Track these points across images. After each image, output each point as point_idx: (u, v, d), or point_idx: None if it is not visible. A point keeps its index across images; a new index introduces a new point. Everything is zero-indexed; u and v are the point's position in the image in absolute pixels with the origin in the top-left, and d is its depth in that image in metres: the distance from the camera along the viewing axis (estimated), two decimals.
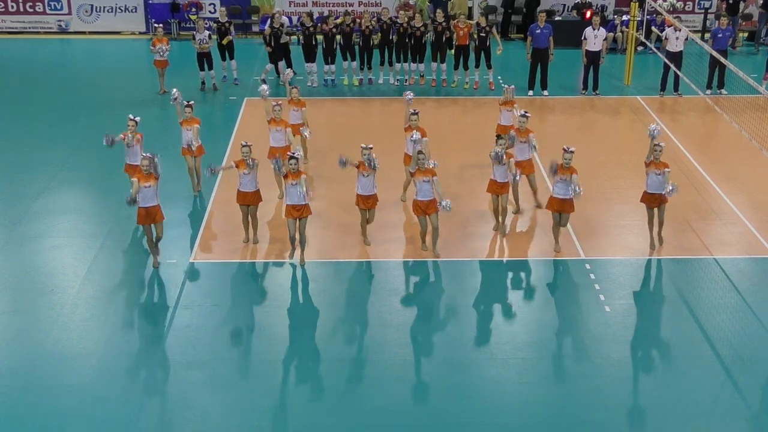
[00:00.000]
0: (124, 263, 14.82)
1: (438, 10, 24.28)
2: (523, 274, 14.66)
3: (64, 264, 14.91)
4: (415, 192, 14.86)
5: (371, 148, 14.87)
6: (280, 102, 17.28)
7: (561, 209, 14.82)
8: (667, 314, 13.50)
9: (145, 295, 14.08)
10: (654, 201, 14.90)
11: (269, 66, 24.11)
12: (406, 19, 23.99)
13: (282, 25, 23.79)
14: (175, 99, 17.19)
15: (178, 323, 13.12)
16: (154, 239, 14.57)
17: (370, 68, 24.45)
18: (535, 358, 12.40)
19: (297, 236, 14.63)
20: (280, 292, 14.13)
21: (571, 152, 14.49)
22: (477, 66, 23.97)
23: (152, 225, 14.45)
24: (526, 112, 16.42)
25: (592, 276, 14.46)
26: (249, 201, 15.11)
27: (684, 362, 12.30)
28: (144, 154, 14.37)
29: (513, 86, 18.52)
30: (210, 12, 29.94)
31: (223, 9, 24.13)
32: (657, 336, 12.99)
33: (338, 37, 23.83)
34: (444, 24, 23.80)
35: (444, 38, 23.83)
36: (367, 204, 15.16)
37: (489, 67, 23.91)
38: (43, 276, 14.55)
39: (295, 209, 14.44)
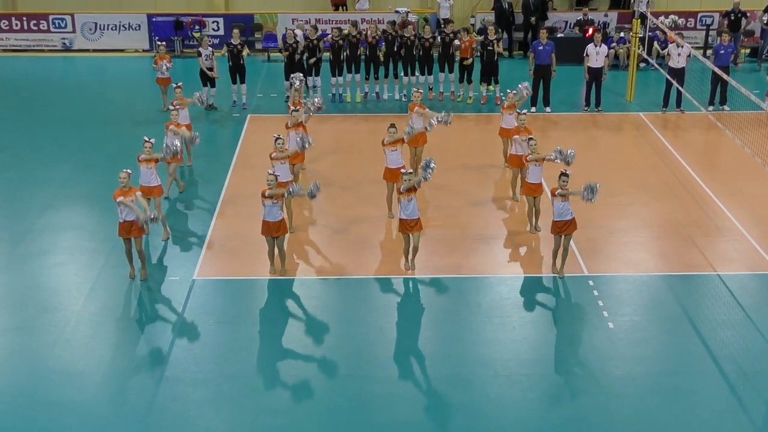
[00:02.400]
0: (128, 280, 14.81)
1: (447, 24, 24.39)
2: (526, 291, 14.62)
3: (67, 281, 14.92)
4: (399, 210, 14.85)
5: (411, 173, 14.79)
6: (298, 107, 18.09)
7: (563, 231, 14.65)
8: (670, 331, 13.46)
9: (147, 312, 14.07)
10: (559, 229, 14.68)
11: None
12: (413, 33, 24.05)
13: (297, 41, 24.01)
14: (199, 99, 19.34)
15: (181, 340, 13.11)
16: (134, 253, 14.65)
17: (377, 79, 24.50)
18: (539, 374, 12.37)
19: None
20: (282, 309, 14.11)
21: (567, 176, 14.38)
22: (482, 82, 24.02)
23: (132, 239, 14.51)
24: (524, 111, 17.36)
25: (596, 292, 14.44)
26: (274, 232, 14.66)
27: (688, 379, 12.27)
28: (124, 170, 14.42)
29: (515, 91, 18.82)
30: (213, 29, 30.08)
31: (236, 31, 24.13)
32: (661, 352, 12.95)
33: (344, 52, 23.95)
34: (451, 36, 23.86)
35: (451, 50, 23.88)
36: (412, 229, 14.85)
37: (496, 82, 23.97)
38: (46, 293, 14.55)
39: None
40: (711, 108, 23.29)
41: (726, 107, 23.53)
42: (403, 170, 15.02)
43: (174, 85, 19.52)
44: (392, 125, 16.78)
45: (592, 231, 16.43)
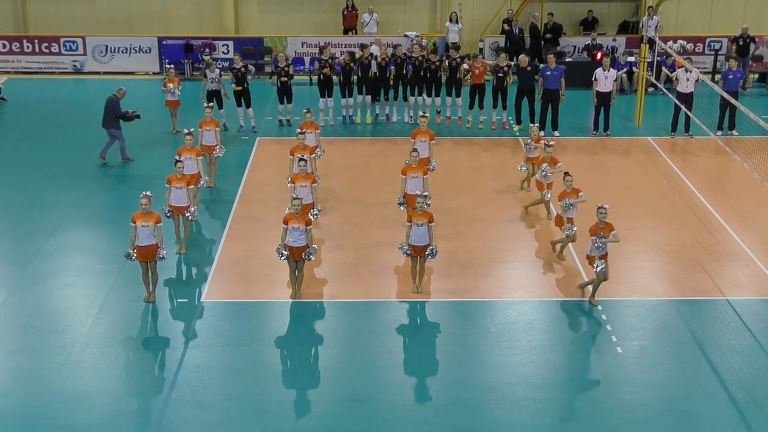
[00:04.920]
0: (135, 302, 14.82)
1: (453, 47, 24.48)
2: (534, 315, 14.59)
3: (75, 303, 14.93)
4: (408, 235, 14.86)
5: (426, 196, 14.99)
6: (304, 130, 18.39)
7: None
8: (679, 356, 13.40)
9: (155, 334, 14.07)
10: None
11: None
12: (422, 53, 24.16)
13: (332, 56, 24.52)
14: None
15: (188, 363, 13.10)
16: (149, 276, 14.74)
17: (387, 100, 24.59)
18: (547, 399, 12.32)
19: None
20: (290, 332, 14.09)
21: (605, 209, 14.53)
22: (494, 107, 24.09)
23: (148, 263, 14.60)
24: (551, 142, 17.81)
25: (604, 317, 14.40)
26: (297, 256, 14.65)
27: (697, 404, 12.20)
28: (145, 193, 14.48)
29: (537, 125, 19.66)
30: (223, 53, 30.23)
31: (238, 55, 24.29)
32: (670, 378, 12.88)
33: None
34: (458, 60, 23.93)
35: (458, 75, 23.95)
36: (419, 253, 14.92)
37: (504, 108, 24.03)
38: (54, 315, 14.56)
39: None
40: (720, 133, 23.30)
41: (735, 132, 23.55)
42: (418, 192, 15.13)
43: (205, 104, 19.96)
44: (414, 150, 16.82)
45: None
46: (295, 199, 14.71)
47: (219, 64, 24.47)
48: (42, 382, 12.62)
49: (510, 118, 24.24)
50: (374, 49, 25.14)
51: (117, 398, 12.28)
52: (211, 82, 23.37)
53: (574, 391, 12.52)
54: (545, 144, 17.85)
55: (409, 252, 14.86)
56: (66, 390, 12.45)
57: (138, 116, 22.08)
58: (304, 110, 19.55)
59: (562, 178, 16.06)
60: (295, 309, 14.67)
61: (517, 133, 23.79)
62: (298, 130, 18.54)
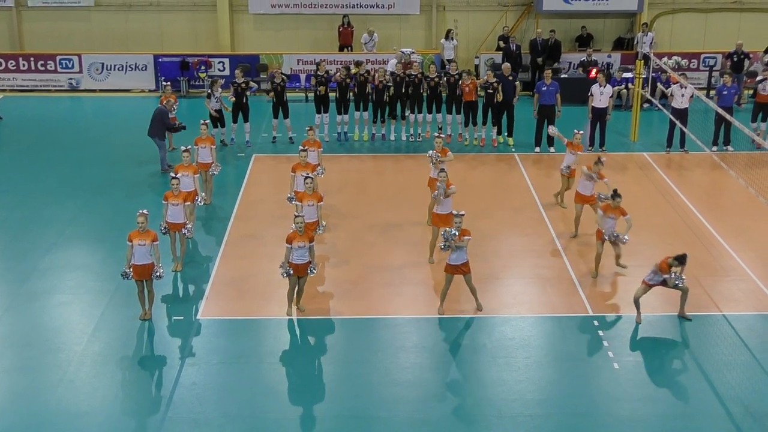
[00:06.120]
0: (131, 320, 14.78)
1: (451, 63, 24.55)
2: (530, 331, 14.58)
3: (71, 321, 14.90)
4: (450, 256, 14.73)
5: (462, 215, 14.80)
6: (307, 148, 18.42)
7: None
8: (676, 371, 13.40)
9: (151, 352, 14.04)
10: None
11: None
12: (419, 71, 24.22)
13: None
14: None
15: (184, 381, 13.06)
16: (145, 294, 14.73)
17: (383, 122, 24.63)
18: (544, 415, 12.30)
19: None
20: (287, 349, 14.07)
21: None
22: (484, 124, 24.12)
23: (144, 281, 14.61)
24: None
25: (601, 333, 14.40)
26: (301, 273, 14.69)
27: (694, 420, 12.19)
28: (142, 211, 14.48)
29: (582, 131, 19.71)
30: (219, 70, 30.28)
31: (239, 70, 24.38)
32: (667, 393, 12.87)
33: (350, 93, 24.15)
34: (456, 76, 23.98)
35: (457, 91, 23.99)
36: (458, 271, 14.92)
37: (494, 124, 24.07)
38: (50, 333, 14.52)
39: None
40: (715, 148, 23.35)
41: (730, 147, 23.61)
42: (454, 212, 14.99)
43: (201, 122, 19.97)
44: (442, 170, 16.83)
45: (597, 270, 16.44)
46: (297, 217, 14.71)
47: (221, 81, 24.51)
48: (38, 401, 12.57)
49: (506, 133, 24.25)
50: (391, 64, 25.24)
51: (113, 417, 12.24)
52: (216, 102, 23.49)
53: (570, 408, 12.50)
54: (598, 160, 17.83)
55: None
56: (62, 409, 12.41)
57: (184, 128, 22.42)
58: (307, 128, 19.59)
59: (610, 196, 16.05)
60: (290, 326, 14.65)
61: (513, 149, 23.81)
62: (301, 148, 18.53)
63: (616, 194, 15.86)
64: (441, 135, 19.22)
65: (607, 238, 15.90)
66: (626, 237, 15.98)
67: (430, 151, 18.28)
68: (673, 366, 13.54)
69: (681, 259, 14.37)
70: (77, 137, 25.64)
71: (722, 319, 14.84)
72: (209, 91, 23.69)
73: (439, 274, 15.98)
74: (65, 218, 19.19)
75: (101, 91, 30.82)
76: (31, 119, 27.88)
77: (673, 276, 14.31)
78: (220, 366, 13.49)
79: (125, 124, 27.28)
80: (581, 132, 19.42)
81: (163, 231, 16.09)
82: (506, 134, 24.20)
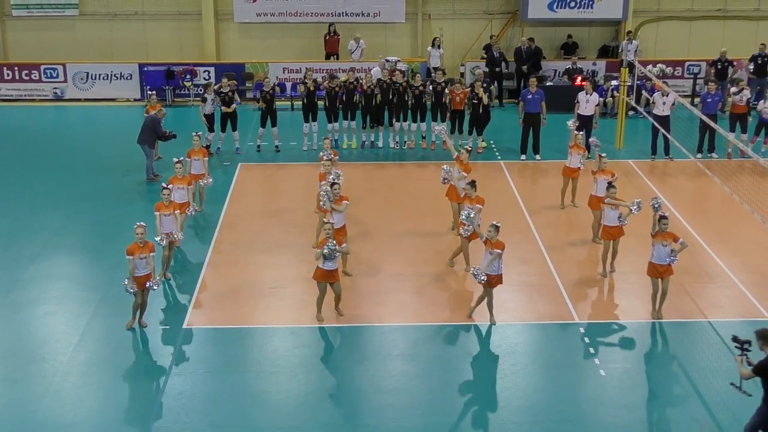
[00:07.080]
0: (117, 330, 14.73)
1: (438, 72, 24.62)
2: (517, 338, 14.60)
3: (56, 331, 14.82)
4: (486, 265, 14.72)
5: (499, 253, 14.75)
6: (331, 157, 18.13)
7: (660, 275, 14.81)
8: (662, 378, 13.43)
9: (137, 361, 13.98)
10: (659, 272, 14.82)
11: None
12: (404, 79, 24.30)
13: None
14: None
15: (171, 390, 13.02)
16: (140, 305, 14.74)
17: (372, 128, 24.67)
18: (531, 422, 12.30)
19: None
20: (273, 358, 14.04)
21: (666, 218, 14.71)
22: (470, 133, 24.18)
23: (142, 291, 14.60)
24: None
25: (587, 339, 14.42)
26: (331, 279, 14.73)
27: (680, 426, 12.22)
28: (139, 223, 14.45)
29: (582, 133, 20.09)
30: (204, 79, 30.20)
31: (225, 79, 24.40)
32: (653, 400, 12.91)
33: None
34: (442, 84, 24.03)
35: (443, 99, 24.02)
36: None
37: (479, 133, 24.13)
38: (35, 343, 14.45)
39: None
40: (699, 155, 23.46)
41: (714, 155, 23.72)
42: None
43: (194, 134, 19.83)
44: (473, 181, 16.74)
45: (583, 278, 16.46)
46: (326, 223, 14.76)
47: (201, 90, 24.51)
48: (23, 412, 12.50)
49: (492, 141, 24.30)
50: (375, 72, 25.30)
51: (100, 427, 12.19)
52: (212, 103, 23.55)
53: (557, 415, 12.51)
54: (599, 155, 17.88)
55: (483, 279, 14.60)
56: (48, 419, 12.34)
57: (174, 136, 22.35)
58: (323, 138, 19.95)
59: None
60: (276, 335, 14.63)
61: (499, 157, 23.87)
62: (325, 157, 18.12)
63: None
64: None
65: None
66: (626, 220, 16.26)
67: (449, 167, 17.91)
68: (659, 372, 13.57)
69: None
70: (62, 147, 25.55)
71: (708, 326, 14.89)
72: (204, 95, 23.72)
73: (427, 283, 15.96)
74: (51, 228, 19.11)
75: (86, 100, 30.74)
76: (16, 129, 27.79)
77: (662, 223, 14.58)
78: (207, 375, 13.45)
79: (111, 133, 27.21)
80: (581, 133, 19.55)
81: (163, 243, 16.01)
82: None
